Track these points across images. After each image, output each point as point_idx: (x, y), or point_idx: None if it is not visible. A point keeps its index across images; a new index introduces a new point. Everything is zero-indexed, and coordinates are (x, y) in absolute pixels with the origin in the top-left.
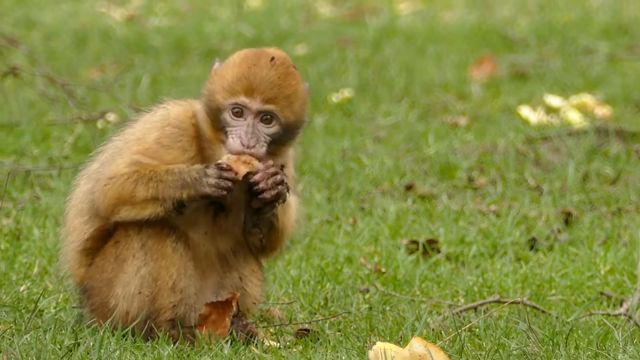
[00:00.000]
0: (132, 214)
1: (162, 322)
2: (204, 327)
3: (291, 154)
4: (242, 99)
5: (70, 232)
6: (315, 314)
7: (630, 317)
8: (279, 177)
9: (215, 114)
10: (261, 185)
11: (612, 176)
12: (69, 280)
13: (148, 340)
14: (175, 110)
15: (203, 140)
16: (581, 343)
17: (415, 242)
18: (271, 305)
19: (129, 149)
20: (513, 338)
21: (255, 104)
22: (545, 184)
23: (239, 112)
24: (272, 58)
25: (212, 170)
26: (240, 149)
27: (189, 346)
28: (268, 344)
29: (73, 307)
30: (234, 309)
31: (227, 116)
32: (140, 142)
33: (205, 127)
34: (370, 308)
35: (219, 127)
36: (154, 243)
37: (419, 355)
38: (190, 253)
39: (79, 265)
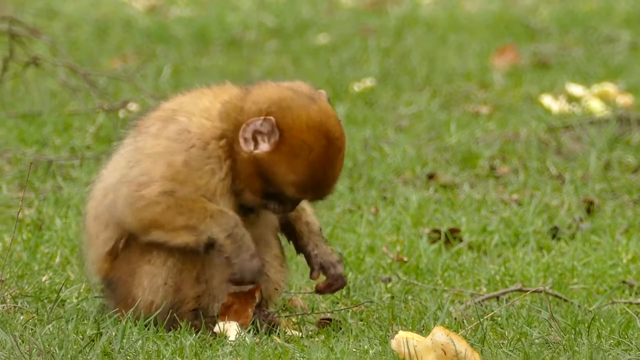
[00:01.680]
0: (164, 239)
1: (185, 312)
2: (226, 317)
3: None
4: (308, 195)
5: (93, 239)
6: (337, 303)
7: None
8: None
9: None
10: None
11: (634, 165)
12: (94, 278)
13: (170, 330)
14: (196, 127)
15: (235, 163)
16: (603, 332)
17: (437, 231)
18: (293, 294)
19: (156, 169)
20: (535, 327)
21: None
22: (567, 172)
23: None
24: (340, 150)
25: (258, 265)
26: None
27: (211, 336)
28: (290, 334)
29: (95, 297)
30: (257, 299)
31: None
32: (169, 165)
33: (247, 172)
34: (393, 297)
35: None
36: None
37: (441, 344)
38: None
39: (103, 262)
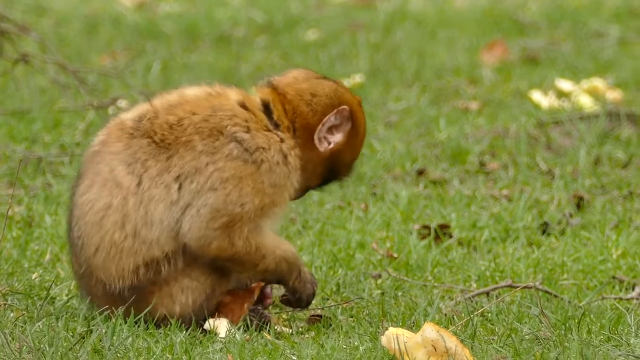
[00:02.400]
0: (234, 270)
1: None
2: (217, 314)
3: None
4: (352, 171)
5: (121, 249)
6: (327, 299)
7: None
8: None
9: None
10: None
11: (624, 160)
12: (112, 284)
13: (160, 327)
14: (264, 141)
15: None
16: (593, 327)
17: (427, 227)
18: (284, 292)
19: (244, 195)
20: (525, 323)
21: None
22: (557, 168)
23: None
24: None
25: (314, 289)
26: None
27: (201, 333)
28: (280, 330)
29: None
30: (255, 298)
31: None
32: (258, 192)
33: (314, 169)
34: (383, 293)
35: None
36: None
37: (432, 340)
38: None
39: (134, 272)
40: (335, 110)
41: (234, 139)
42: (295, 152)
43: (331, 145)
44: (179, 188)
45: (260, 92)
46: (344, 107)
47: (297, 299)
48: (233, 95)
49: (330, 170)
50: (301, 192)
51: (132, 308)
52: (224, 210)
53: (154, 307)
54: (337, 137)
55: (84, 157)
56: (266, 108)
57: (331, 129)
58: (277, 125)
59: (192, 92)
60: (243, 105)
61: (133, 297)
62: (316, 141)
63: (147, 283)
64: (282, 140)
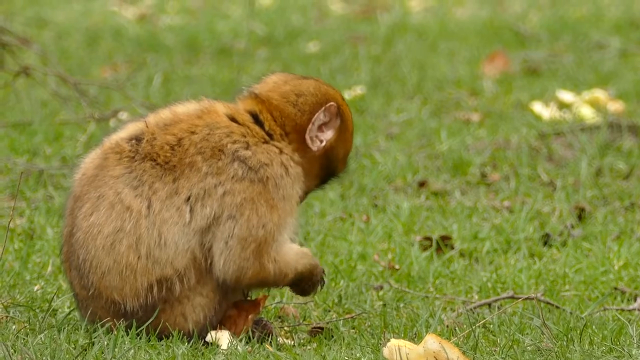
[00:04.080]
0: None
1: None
2: (219, 326)
3: None
4: (347, 165)
5: (132, 269)
6: (329, 311)
7: None
8: None
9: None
10: None
11: (625, 171)
12: (124, 301)
13: (162, 339)
14: (265, 156)
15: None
16: (595, 338)
17: (428, 239)
18: (285, 303)
19: (261, 216)
20: (527, 334)
21: None
22: (558, 179)
23: None
24: None
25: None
26: None
27: (203, 345)
28: (282, 342)
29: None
30: (260, 310)
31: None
32: (272, 208)
33: (312, 170)
34: (384, 305)
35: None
36: None
37: (434, 352)
38: None
39: (147, 291)
40: (322, 108)
41: (237, 158)
42: (294, 159)
43: (323, 143)
44: (190, 210)
45: (244, 103)
46: (332, 103)
47: (302, 294)
48: (221, 109)
49: (326, 168)
50: (304, 196)
51: (140, 325)
52: (250, 237)
53: (165, 326)
54: (328, 135)
55: (79, 181)
56: (256, 119)
57: (321, 127)
58: (270, 135)
59: (183, 109)
60: (234, 120)
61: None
62: (308, 141)
63: (160, 301)
64: (280, 151)
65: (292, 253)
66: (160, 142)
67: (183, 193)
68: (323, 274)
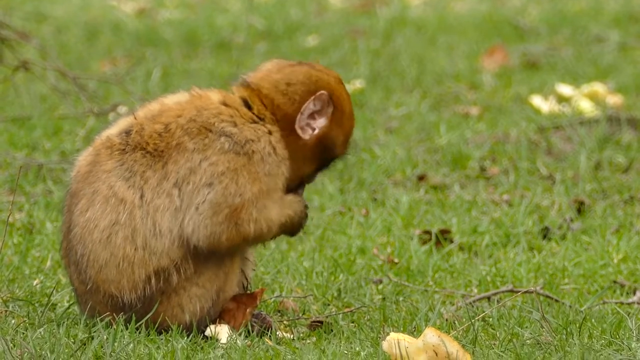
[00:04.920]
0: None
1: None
2: (218, 320)
3: None
4: (348, 149)
5: (129, 261)
6: (328, 305)
7: None
8: None
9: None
10: None
11: (624, 164)
12: (121, 294)
13: (161, 333)
14: (252, 134)
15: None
16: (594, 332)
17: (428, 233)
18: (284, 297)
19: (241, 186)
20: (526, 327)
21: None
22: (558, 173)
23: None
24: None
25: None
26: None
27: (202, 339)
28: (282, 336)
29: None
30: (258, 303)
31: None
32: (255, 180)
33: (304, 156)
34: (384, 299)
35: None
36: (228, 259)
37: (433, 346)
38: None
39: (145, 282)
40: (312, 97)
41: (224, 134)
42: (282, 143)
43: (316, 132)
44: (179, 193)
45: (237, 91)
46: (322, 92)
47: (289, 235)
48: (214, 95)
49: (322, 153)
50: (297, 181)
51: (139, 318)
52: (224, 203)
53: (164, 318)
54: (321, 122)
55: (74, 178)
56: (246, 104)
57: (313, 115)
58: (260, 118)
59: (173, 99)
60: (225, 104)
61: (141, 307)
62: (299, 130)
63: (157, 293)
64: (269, 132)
65: (276, 208)
66: (148, 131)
67: (171, 177)
68: (306, 209)
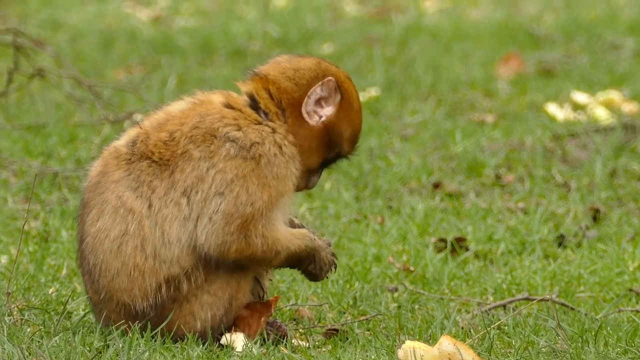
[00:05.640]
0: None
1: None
2: (234, 328)
3: None
4: (355, 147)
5: (140, 270)
6: (344, 313)
7: None
8: None
9: (331, 147)
10: None
11: None
12: (132, 302)
13: (177, 341)
14: (256, 135)
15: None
16: (610, 340)
17: (443, 240)
18: (300, 305)
19: (251, 193)
20: (542, 335)
21: None
22: (573, 180)
23: None
24: None
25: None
26: None
27: (218, 347)
28: (297, 344)
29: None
30: (272, 311)
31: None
32: (264, 186)
33: (311, 148)
34: (399, 307)
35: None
36: (240, 268)
37: (448, 354)
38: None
39: (157, 290)
40: (320, 83)
41: (228, 139)
42: (289, 139)
43: (323, 119)
44: (188, 202)
45: (244, 86)
46: (329, 78)
47: (311, 278)
48: (217, 98)
49: (328, 145)
50: (306, 178)
51: (152, 326)
52: (236, 213)
53: (178, 326)
54: (328, 110)
55: (85, 189)
56: (252, 100)
57: (320, 102)
58: (265, 115)
59: (176, 106)
60: (228, 106)
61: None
62: (305, 115)
63: (169, 301)
64: (274, 131)
65: (286, 232)
66: (153, 140)
67: (179, 186)
68: (333, 257)
